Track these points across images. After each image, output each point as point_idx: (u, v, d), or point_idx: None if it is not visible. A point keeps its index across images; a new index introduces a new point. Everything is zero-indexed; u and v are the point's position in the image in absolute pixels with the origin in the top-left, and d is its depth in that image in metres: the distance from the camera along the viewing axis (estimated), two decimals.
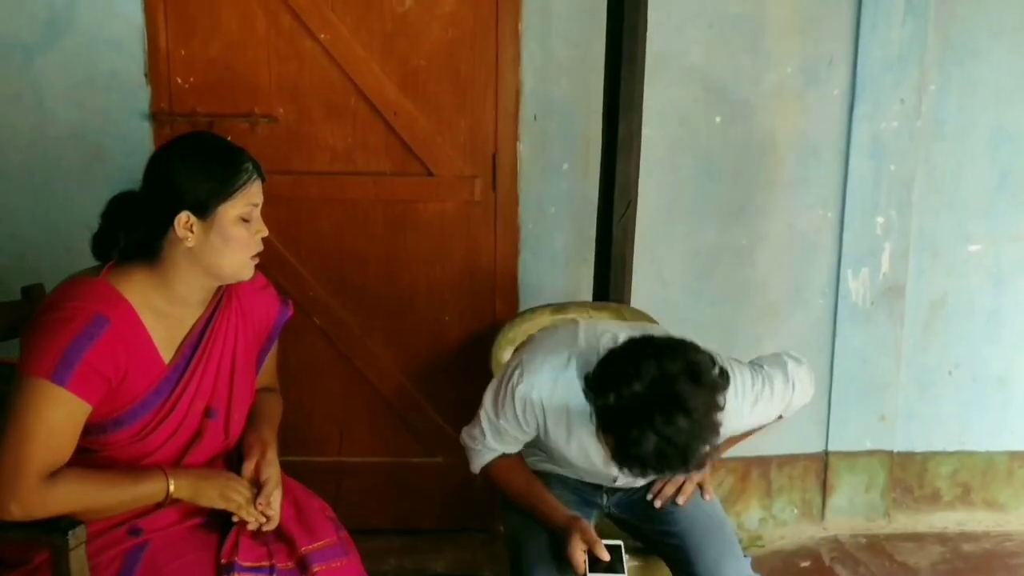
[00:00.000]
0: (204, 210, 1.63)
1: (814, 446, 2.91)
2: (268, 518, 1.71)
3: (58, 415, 1.55)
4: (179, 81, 2.51)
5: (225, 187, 1.64)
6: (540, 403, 1.79)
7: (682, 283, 2.75)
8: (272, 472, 1.75)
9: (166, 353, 1.70)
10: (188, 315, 1.74)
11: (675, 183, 2.66)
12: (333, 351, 2.67)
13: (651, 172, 2.53)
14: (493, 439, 1.90)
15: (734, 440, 1.97)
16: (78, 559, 1.51)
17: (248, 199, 1.66)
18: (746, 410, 1.82)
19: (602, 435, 1.64)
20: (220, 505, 1.70)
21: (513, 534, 1.96)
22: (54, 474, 1.56)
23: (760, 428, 1.96)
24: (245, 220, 1.67)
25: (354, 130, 2.56)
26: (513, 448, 1.95)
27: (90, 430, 1.63)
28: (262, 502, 1.70)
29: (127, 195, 1.69)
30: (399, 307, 2.67)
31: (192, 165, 1.65)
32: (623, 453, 1.57)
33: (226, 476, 1.73)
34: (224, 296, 1.79)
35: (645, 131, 2.44)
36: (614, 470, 1.71)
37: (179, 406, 1.70)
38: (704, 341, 1.92)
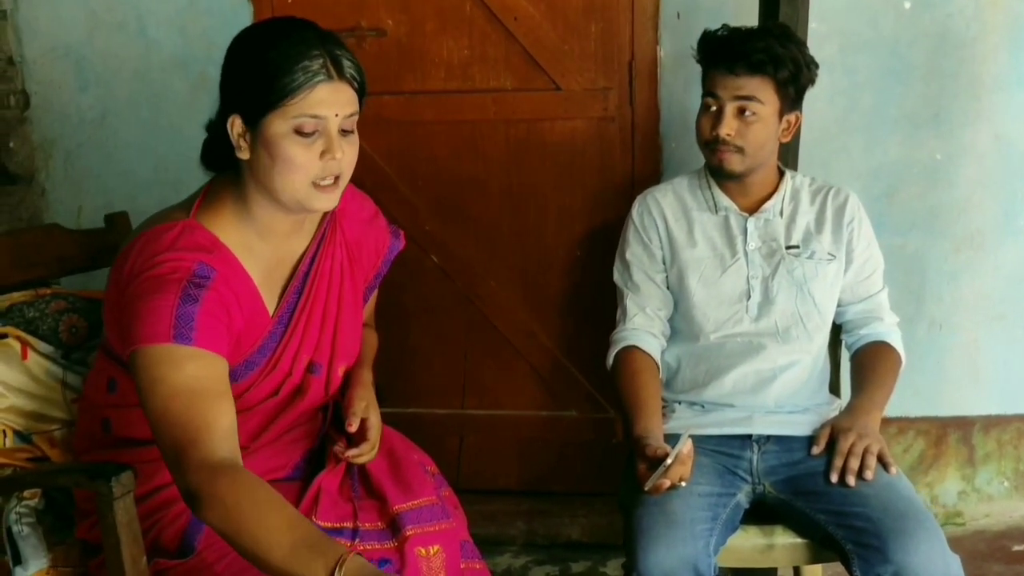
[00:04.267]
0: (251, 118, 1.39)
1: None
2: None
3: (190, 372, 1.31)
4: None
5: (269, 92, 1.35)
6: (656, 200, 1.99)
7: None
8: (362, 401, 1.58)
9: (270, 303, 1.51)
10: (286, 253, 1.53)
11: (850, 87, 2.37)
12: (453, 291, 2.55)
13: (820, 74, 2.17)
14: (631, 303, 1.96)
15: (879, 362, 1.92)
16: (124, 509, 1.37)
17: (303, 109, 1.35)
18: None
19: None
20: None
21: (622, 500, 1.82)
22: (235, 467, 1.28)
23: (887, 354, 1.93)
24: (304, 134, 1.37)
25: (471, 41, 2.41)
26: (652, 306, 1.95)
27: None
28: (352, 420, 1.54)
29: None
30: (525, 241, 2.51)
31: (246, 57, 1.40)
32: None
33: None
34: (328, 230, 1.57)
35: (812, 24, 2.17)
36: (743, 246, 1.90)
37: (281, 363, 1.52)
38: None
